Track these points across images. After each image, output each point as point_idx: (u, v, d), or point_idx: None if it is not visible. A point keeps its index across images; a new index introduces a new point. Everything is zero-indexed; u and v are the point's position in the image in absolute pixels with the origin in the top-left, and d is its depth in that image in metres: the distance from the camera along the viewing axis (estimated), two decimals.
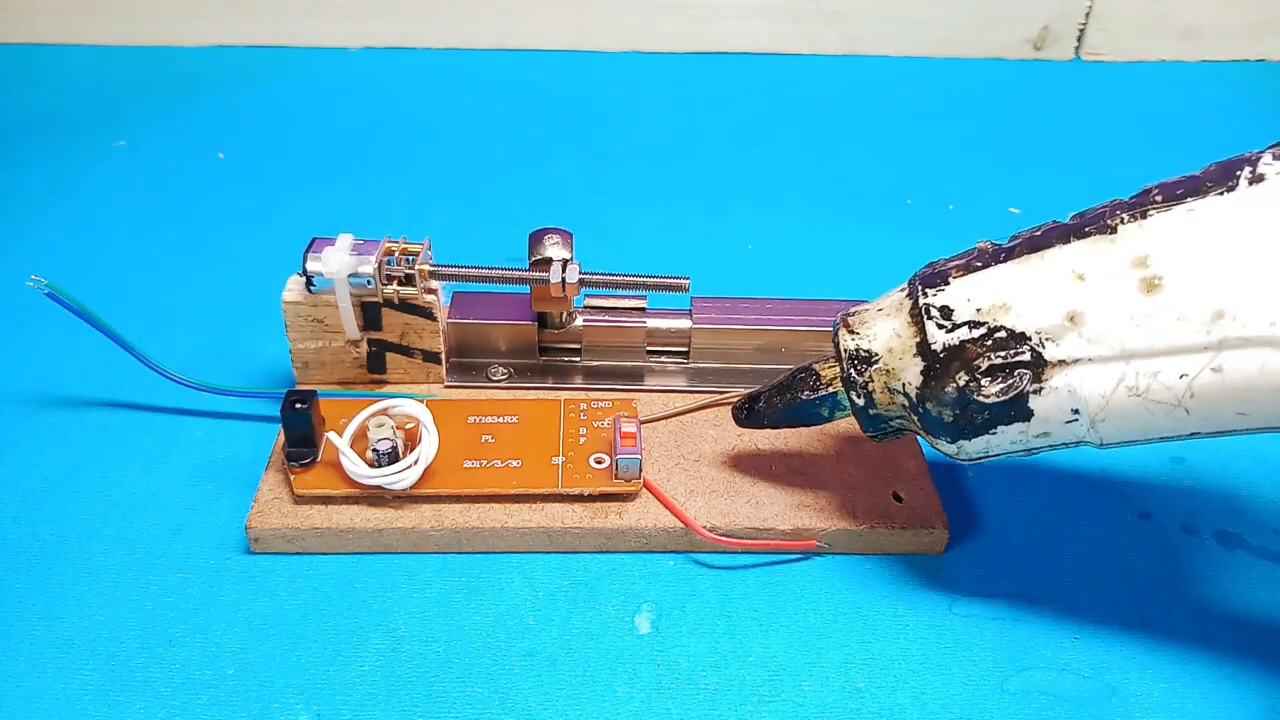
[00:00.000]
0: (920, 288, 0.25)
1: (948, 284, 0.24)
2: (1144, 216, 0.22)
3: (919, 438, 0.27)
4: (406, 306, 0.31)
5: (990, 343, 0.23)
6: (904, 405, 0.25)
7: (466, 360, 0.34)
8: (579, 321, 0.34)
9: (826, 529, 0.29)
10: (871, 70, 0.60)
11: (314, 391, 0.29)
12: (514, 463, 0.29)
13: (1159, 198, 0.22)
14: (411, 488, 0.28)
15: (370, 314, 0.31)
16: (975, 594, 0.28)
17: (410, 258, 0.31)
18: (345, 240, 0.30)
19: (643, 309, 0.34)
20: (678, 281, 0.31)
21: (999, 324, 0.23)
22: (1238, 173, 0.22)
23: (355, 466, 0.28)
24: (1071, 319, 0.22)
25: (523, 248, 0.32)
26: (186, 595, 0.27)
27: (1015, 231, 0.24)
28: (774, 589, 0.28)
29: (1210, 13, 0.61)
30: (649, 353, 0.34)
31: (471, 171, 0.49)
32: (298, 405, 0.28)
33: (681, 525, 0.28)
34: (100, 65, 0.57)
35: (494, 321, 0.34)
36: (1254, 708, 0.26)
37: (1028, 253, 0.23)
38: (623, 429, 0.30)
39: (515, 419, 0.31)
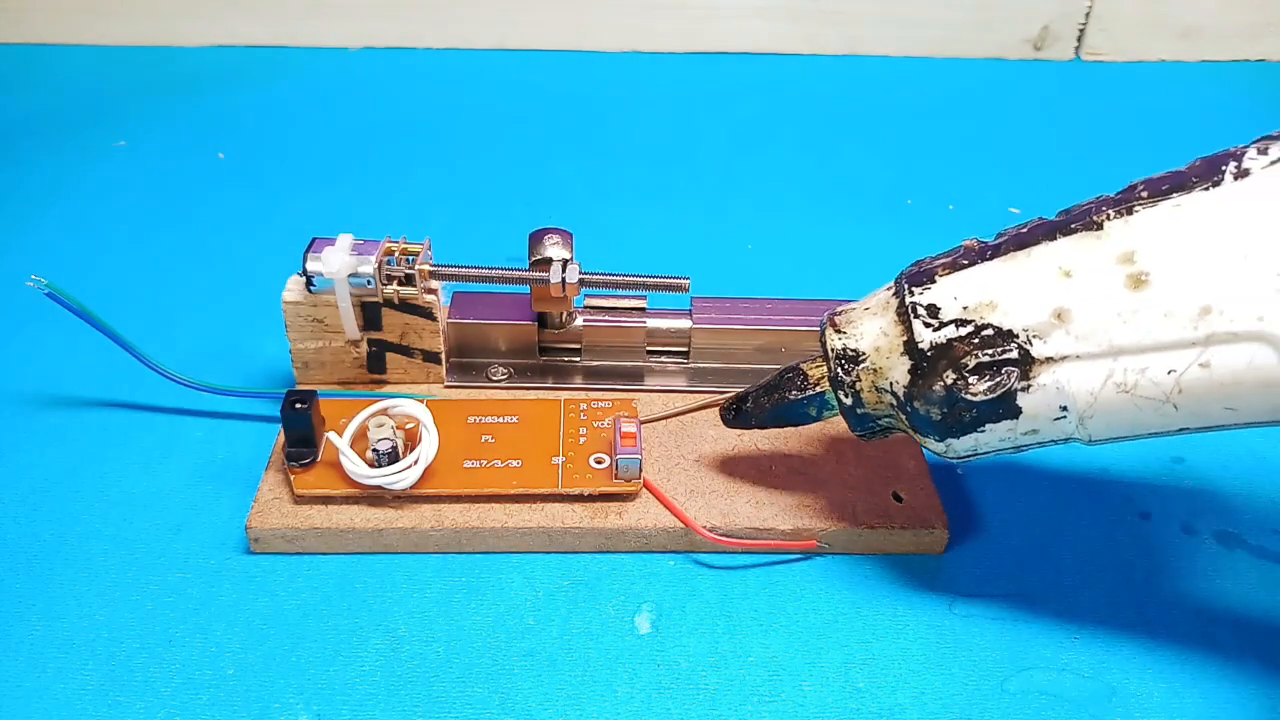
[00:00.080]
0: (907, 286, 0.24)
1: (934, 282, 0.24)
2: (1130, 213, 0.22)
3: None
4: (406, 306, 0.31)
5: (977, 341, 0.23)
6: (892, 404, 0.25)
7: (466, 360, 0.34)
8: (579, 321, 0.34)
9: (826, 529, 0.29)
10: (871, 70, 0.60)
11: (314, 391, 0.29)
12: (514, 463, 0.29)
13: (1145, 194, 0.22)
14: (411, 488, 0.28)
15: (370, 314, 0.32)
16: (975, 594, 0.28)
17: (410, 258, 0.31)
18: (345, 240, 0.30)
19: (643, 309, 0.34)
20: (678, 281, 0.31)
21: (986, 322, 0.23)
22: (1223, 168, 0.21)
23: (355, 466, 0.28)
24: (1059, 316, 0.22)
25: (523, 248, 0.32)
26: (186, 595, 0.27)
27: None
28: (774, 589, 0.28)
29: (1210, 13, 0.61)
30: (649, 353, 0.34)
31: (471, 171, 0.49)
32: (298, 405, 0.28)
33: (681, 525, 0.28)
34: (100, 65, 0.57)
35: (494, 321, 0.34)
36: (1254, 708, 0.26)
37: (1014, 250, 0.23)
38: (623, 429, 0.30)
39: (515, 419, 0.31)
